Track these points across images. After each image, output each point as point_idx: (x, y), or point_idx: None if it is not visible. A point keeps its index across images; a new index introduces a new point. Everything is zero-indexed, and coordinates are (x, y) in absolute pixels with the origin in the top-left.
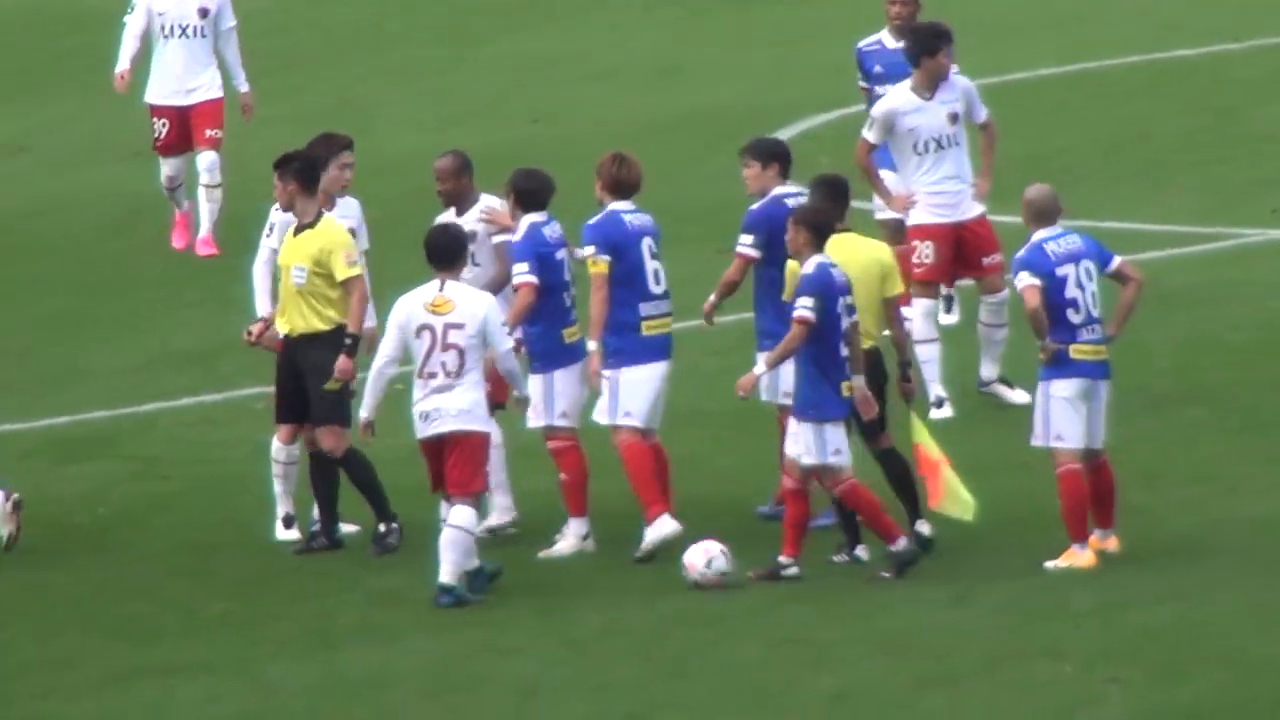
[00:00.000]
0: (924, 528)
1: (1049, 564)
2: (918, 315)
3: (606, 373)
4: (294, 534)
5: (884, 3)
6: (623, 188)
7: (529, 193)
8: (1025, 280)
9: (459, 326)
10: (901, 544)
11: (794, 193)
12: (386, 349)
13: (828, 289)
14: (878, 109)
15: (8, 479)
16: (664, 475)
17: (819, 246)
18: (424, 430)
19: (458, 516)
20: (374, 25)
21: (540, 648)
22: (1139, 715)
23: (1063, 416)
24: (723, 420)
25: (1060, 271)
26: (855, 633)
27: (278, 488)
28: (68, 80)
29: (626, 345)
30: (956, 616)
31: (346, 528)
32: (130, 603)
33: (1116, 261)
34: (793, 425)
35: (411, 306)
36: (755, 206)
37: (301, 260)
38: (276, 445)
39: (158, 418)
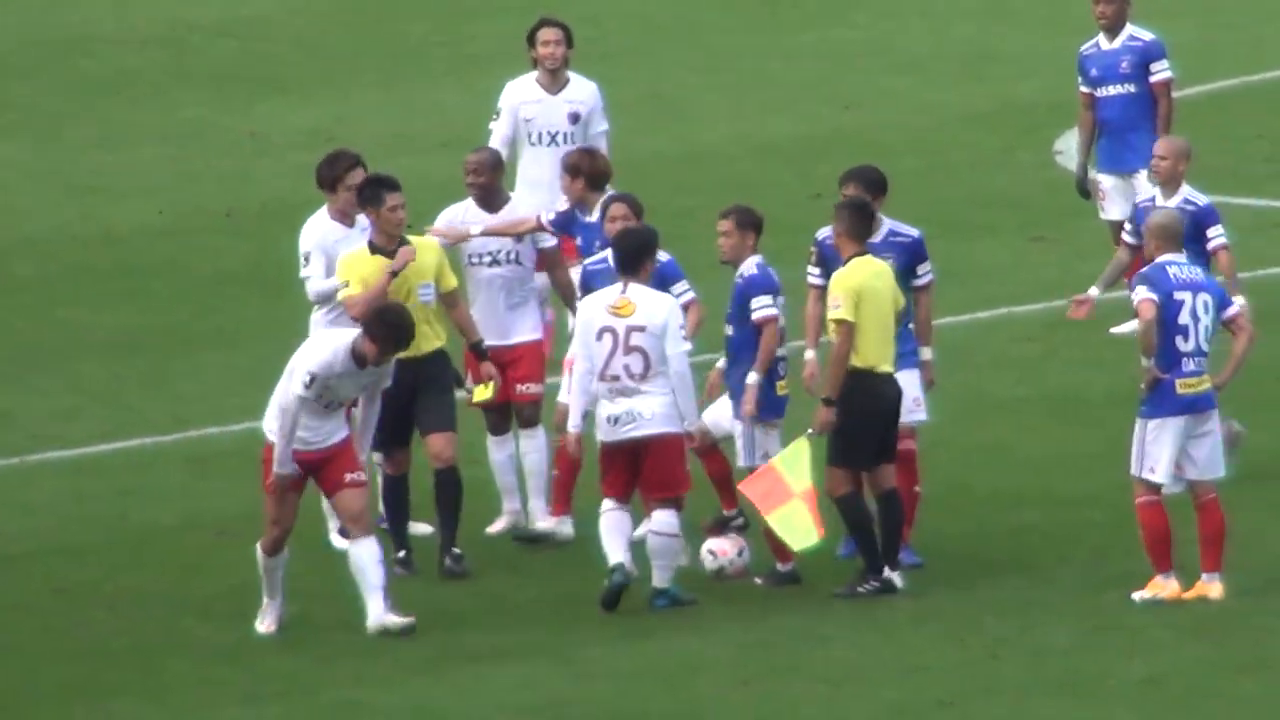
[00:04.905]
0: (896, 577)
1: (1135, 595)
2: None
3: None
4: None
5: (1090, 3)
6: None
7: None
8: (1142, 294)
9: (641, 329)
10: (790, 566)
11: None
12: (581, 352)
13: (776, 286)
14: None
15: None
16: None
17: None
18: (613, 434)
19: (663, 522)
20: (688, 15)
21: (852, 635)
22: None
23: (1156, 449)
24: (1034, 408)
25: (1178, 295)
26: (1168, 618)
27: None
28: (373, 72)
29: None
30: (1272, 603)
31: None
32: (441, 589)
33: (1235, 308)
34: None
35: (594, 309)
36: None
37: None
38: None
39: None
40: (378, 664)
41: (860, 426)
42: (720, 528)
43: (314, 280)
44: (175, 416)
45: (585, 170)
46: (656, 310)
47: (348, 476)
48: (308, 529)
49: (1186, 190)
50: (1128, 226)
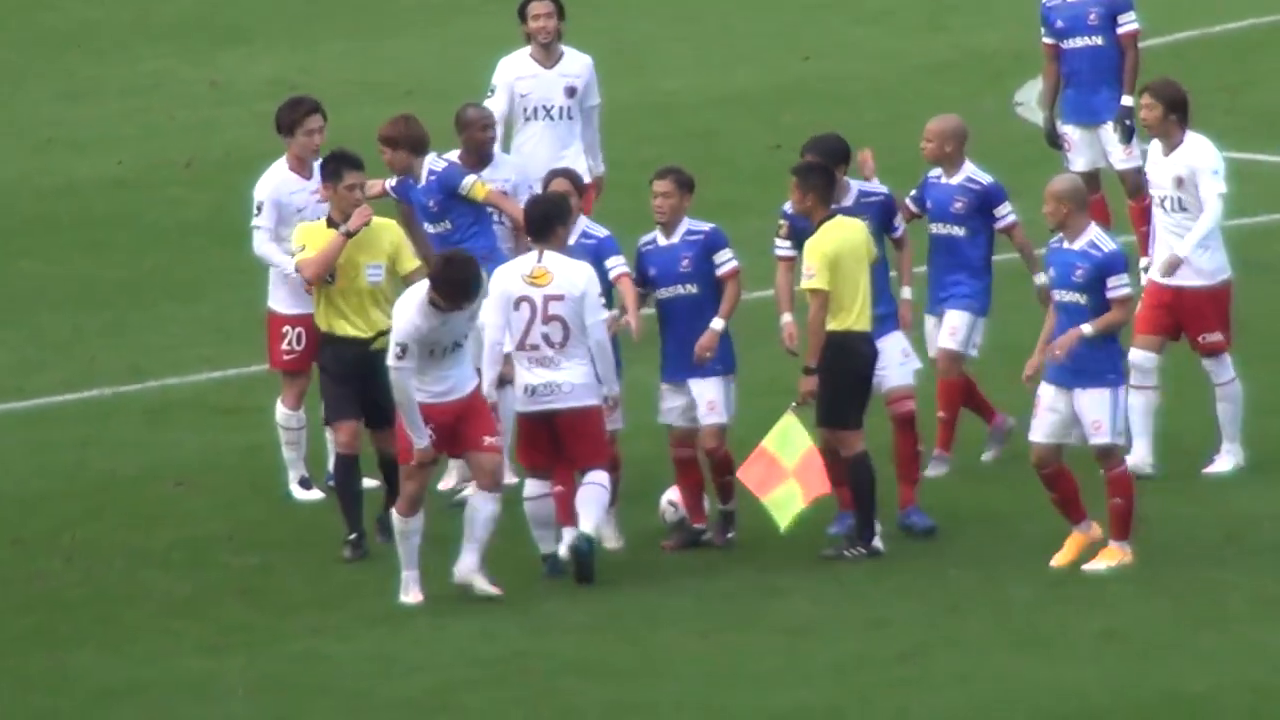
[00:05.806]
0: (879, 543)
1: (1092, 566)
2: None
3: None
4: (312, 494)
5: None
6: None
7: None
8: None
9: (559, 298)
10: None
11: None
12: (494, 322)
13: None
14: None
15: None
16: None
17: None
18: (531, 405)
19: (598, 476)
20: None
21: (812, 587)
22: None
23: (1124, 415)
24: (995, 360)
25: None
26: (1127, 574)
27: (290, 454)
28: (336, 21)
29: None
30: (1231, 558)
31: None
32: None
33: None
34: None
35: (509, 279)
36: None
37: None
38: (285, 412)
39: None
40: (338, 615)
41: (847, 387)
42: (686, 544)
43: (260, 236)
44: (135, 367)
45: (403, 140)
46: (575, 279)
47: (485, 440)
48: (267, 479)
49: (970, 169)
50: (913, 193)
